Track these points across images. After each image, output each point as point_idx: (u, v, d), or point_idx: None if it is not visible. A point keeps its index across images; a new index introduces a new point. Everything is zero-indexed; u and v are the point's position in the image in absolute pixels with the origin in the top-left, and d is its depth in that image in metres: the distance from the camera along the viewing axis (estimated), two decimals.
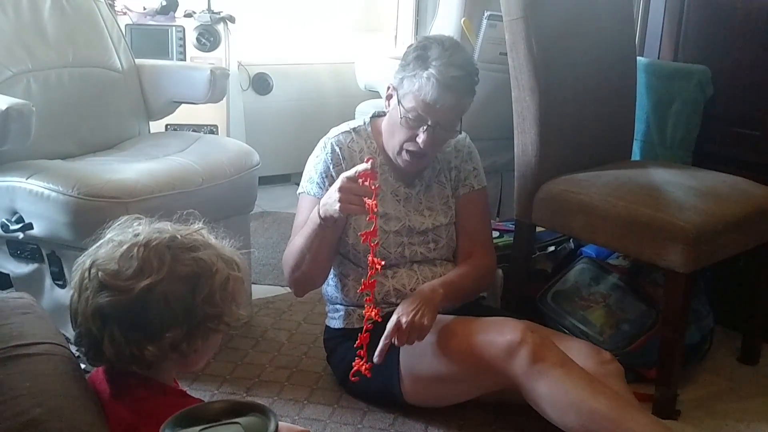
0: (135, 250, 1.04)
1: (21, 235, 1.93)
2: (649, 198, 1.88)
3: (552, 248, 2.42)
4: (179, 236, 1.09)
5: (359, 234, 1.64)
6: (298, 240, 1.75)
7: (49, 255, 1.97)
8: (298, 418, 1.78)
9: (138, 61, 2.51)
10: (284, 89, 3.79)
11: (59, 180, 1.86)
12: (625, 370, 1.69)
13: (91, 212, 1.82)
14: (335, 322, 1.89)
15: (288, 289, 2.36)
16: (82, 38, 2.35)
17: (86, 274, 1.06)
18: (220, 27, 3.32)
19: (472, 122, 2.71)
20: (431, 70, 1.66)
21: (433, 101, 1.67)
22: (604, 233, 1.93)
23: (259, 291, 2.46)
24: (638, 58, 2.38)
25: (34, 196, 1.87)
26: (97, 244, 1.11)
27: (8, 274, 2.10)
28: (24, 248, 2.00)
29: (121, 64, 2.43)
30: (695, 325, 2.04)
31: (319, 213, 1.65)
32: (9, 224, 1.92)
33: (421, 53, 1.69)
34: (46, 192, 1.85)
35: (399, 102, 1.73)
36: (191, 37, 3.29)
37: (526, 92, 2.03)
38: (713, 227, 1.78)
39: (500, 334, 1.59)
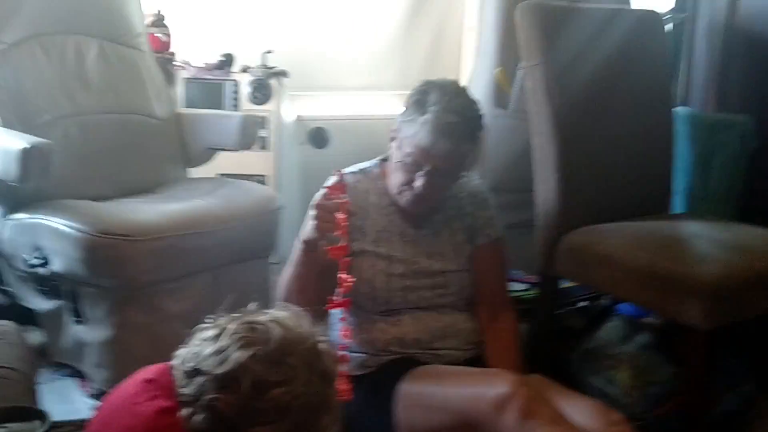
0: (289, 358, 1.10)
1: (42, 271, 1.99)
2: (671, 250, 1.77)
3: (583, 303, 2.30)
4: (325, 365, 1.15)
5: (326, 248, 1.58)
6: (286, 270, 1.72)
7: (68, 292, 2.02)
8: None
9: (179, 110, 2.60)
10: (342, 143, 3.81)
11: (76, 217, 1.92)
12: None
13: (103, 249, 1.87)
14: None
15: None
16: (125, 86, 2.45)
17: (238, 349, 1.09)
18: (274, 81, 3.42)
19: (506, 173, 2.65)
20: (428, 116, 1.64)
21: (428, 146, 1.64)
22: (626, 286, 1.83)
23: None
24: (679, 108, 2.28)
25: (53, 233, 1.94)
26: (249, 319, 1.15)
27: (32, 310, 2.16)
28: (46, 284, 2.06)
29: (162, 112, 2.52)
30: (731, 390, 1.88)
31: (300, 236, 1.62)
32: (29, 259, 1.99)
33: (419, 98, 1.67)
34: (63, 228, 1.91)
35: (399, 146, 1.71)
36: (246, 90, 3.40)
37: (545, 139, 1.98)
38: (736, 280, 1.64)
39: (490, 387, 1.50)
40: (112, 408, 1.18)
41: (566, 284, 2.29)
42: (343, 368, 1.43)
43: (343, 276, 1.46)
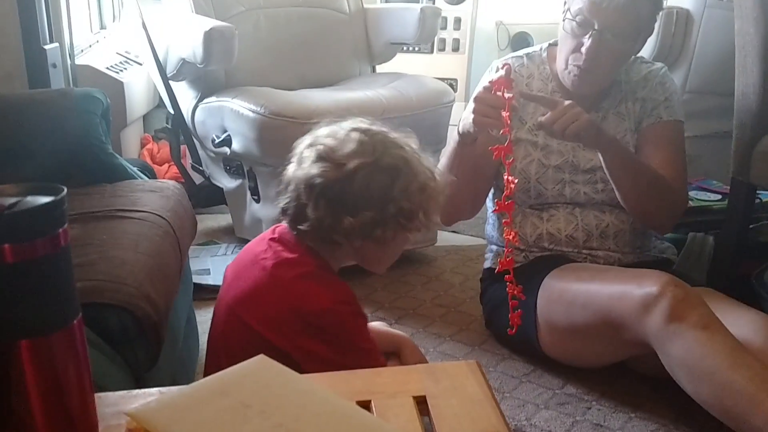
0: (355, 133, 1.13)
1: (228, 151, 2.14)
2: None
3: None
4: (393, 134, 1.17)
5: (490, 148, 1.48)
6: (441, 160, 1.66)
7: (248, 171, 2.16)
8: (433, 351, 1.73)
9: (366, 4, 2.61)
10: None
11: (254, 100, 2.03)
12: None
13: (273, 130, 1.96)
14: (488, 262, 1.80)
15: (481, 239, 2.29)
16: None
17: (306, 147, 1.16)
18: None
19: (715, 74, 2.38)
20: None
21: None
22: None
23: (449, 237, 2.43)
24: None
25: (234, 114, 2.07)
26: (319, 125, 1.20)
27: (222, 189, 2.35)
28: (232, 164, 2.22)
29: (349, 6, 2.55)
30: None
31: (458, 129, 1.55)
32: (216, 139, 2.14)
33: None
34: (241, 110, 2.03)
35: (567, 9, 1.55)
36: None
37: (749, 23, 1.71)
38: None
39: (638, 286, 1.37)
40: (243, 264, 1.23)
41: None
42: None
43: (509, 178, 1.36)
